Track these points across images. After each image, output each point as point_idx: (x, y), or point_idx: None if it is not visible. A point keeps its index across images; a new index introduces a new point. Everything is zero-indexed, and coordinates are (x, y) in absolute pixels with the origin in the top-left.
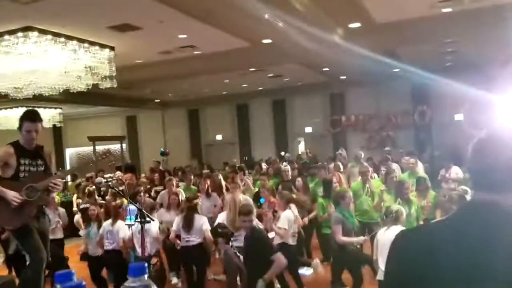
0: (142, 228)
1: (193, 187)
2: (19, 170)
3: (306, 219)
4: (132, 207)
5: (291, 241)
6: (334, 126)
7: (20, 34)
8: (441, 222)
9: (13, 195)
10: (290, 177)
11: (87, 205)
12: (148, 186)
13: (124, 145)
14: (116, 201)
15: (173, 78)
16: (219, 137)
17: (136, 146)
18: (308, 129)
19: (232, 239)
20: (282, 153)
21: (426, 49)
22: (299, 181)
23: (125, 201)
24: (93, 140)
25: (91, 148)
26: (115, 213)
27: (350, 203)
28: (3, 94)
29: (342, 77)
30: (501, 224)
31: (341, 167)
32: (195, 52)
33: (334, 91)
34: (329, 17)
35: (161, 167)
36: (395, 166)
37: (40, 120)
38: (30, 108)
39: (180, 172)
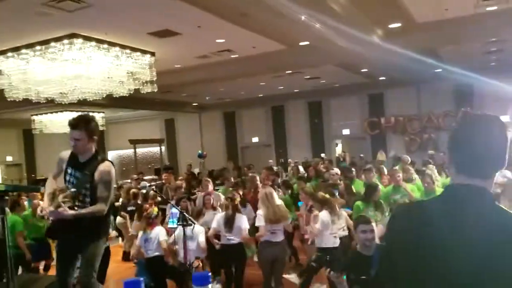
0: (184, 231)
1: (231, 189)
2: (65, 178)
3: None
4: (174, 210)
5: (331, 243)
6: (372, 128)
7: (65, 41)
8: (429, 201)
9: (42, 205)
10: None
11: (134, 207)
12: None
13: (163, 148)
14: (148, 210)
15: (210, 82)
16: (255, 139)
17: (174, 149)
18: (346, 131)
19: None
20: (323, 155)
21: (469, 48)
22: (341, 184)
23: (155, 211)
24: (134, 143)
25: (132, 150)
26: (147, 222)
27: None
28: (49, 99)
29: (381, 78)
30: (473, 201)
31: (385, 171)
32: (232, 56)
33: (372, 92)
34: (368, 17)
35: (198, 170)
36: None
37: (81, 127)
38: (81, 113)
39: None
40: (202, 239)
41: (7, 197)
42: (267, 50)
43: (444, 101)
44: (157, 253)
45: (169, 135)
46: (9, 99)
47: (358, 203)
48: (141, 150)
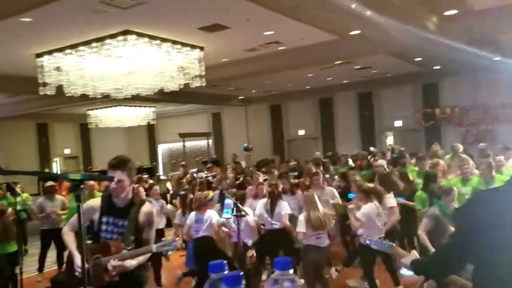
0: (238, 221)
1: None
2: (100, 229)
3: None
4: (228, 201)
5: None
6: (426, 120)
7: (120, 37)
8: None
9: (78, 265)
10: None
11: (184, 192)
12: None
13: (210, 141)
14: (204, 192)
15: (257, 75)
16: (301, 132)
17: (220, 142)
18: (398, 123)
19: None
20: (372, 148)
21: None
22: (396, 174)
23: (210, 194)
24: (183, 136)
25: (181, 143)
26: (201, 204)
27: (453, 201)
28: (105, 94)
29: (436, 67)
30: None
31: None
32: (280, 48)
33: (426, 81)
34: (422, 4)
35: (244, 163)
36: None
37: (123, 168)
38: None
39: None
40: (250, 218)
41: (82, 186)
42: (316, 41)
43: (503, 91)
44: (206, 234)
45: (215, 129)
46: (67, 95)
47: (420, 193)
48: (190, 144)
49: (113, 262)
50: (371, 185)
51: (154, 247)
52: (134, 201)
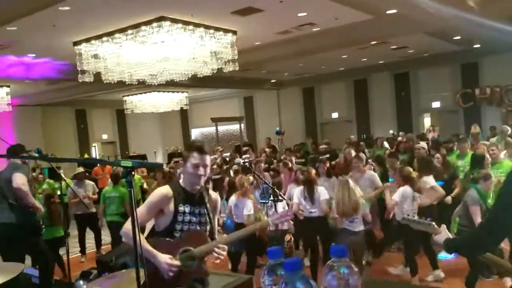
0: (275, 206)
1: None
2: (176, 220)
3: (449, 198)
4: (265, 185)
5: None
6: (465, 100)
7: (154, 24)
8: None
9: (167, 262)
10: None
11: (218, 176)
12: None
13: (242, 125)
14: (244, 177)
15: (290, 58)
16: (335, 115)
17: (253, 126)
18: (436, 104)
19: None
20: (391, 132)
21: None
22: (438, 157)
23: (251, 178)
24: (216, 121)
25: (213, 128)
26: (243, 188)
27: (490, 186)
28: (140, 80)
29: (476, 46)
30: None
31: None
32: (314, 29)
33: (466, 61)
34: None
35: (277, 146)
36: None
37: (209, 152)
38: (198, 143)
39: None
40: (283, 204)
41: (133, 173)
42: (351, 21)
43: None
44: (242, 222)
45: (248, 113)
46: (105, 82)
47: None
48: (222, 128)
49: (221, 247)
50: (411, 170)
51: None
52: (201, 187)
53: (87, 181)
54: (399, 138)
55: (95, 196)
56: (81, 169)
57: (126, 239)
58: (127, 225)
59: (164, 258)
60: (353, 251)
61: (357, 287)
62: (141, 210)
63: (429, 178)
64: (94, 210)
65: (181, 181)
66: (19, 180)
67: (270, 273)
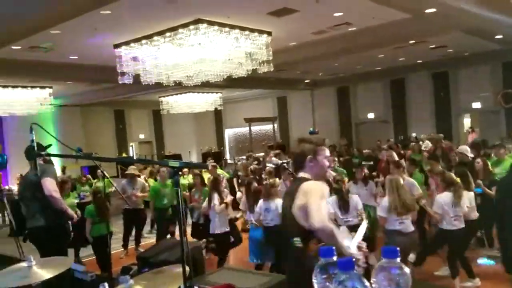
0: None
1: (339, 168)
2: None
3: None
4: None
5: (454, 226)
6: (507, 101)
7: (191, 27)
8: None
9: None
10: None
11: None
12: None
13: (275, 125)
14: (270, 181)
15: (325, 58)
16: (370, 115)
17: (286, 126)
18: (476, 105)
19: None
20: (414, 135)
21: None
22: (478, 162)
23: (277, 181)
24: (249, 121)
25: (247, 128)
26: (270, 192)
27: None
28: (177, 82)
29: None
30: None
31: None
32: (350, 29)
33: (508, 60)
34: None
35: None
36: None
37: None
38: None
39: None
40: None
41: (180, 173)
42: (388, 20)
43: None
44: (276, 223)
45: (281, 113)
46: (143, 83)
47: None
48: (255, 128)
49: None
50: (454, 176)
51: None
52: None
53: (138, 179)
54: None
55: (144, 194)
56: (133, 168)
57: (324, 236)
58: (324, 222)
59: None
60: (401, 251)
61: None
62: (319, 207)
63: (469, 194)
64: (142, 206)
65: (306, 175)
66: (50, 186)
67: (322, 272)
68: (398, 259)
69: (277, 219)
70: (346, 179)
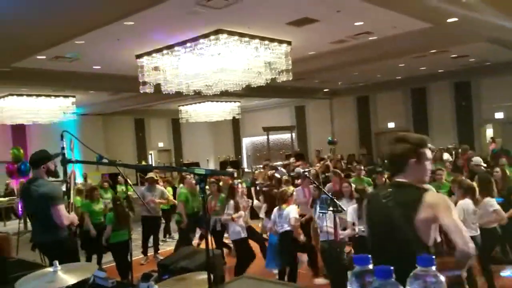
0: (334, 217)
1: (365, 178)
2: None
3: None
4: (324, 195)
5: (475, 231)
6: None
7: (212, 37)
8: None
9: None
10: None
11: (266, 188)
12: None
13: (293, 134)
14: (283, 188)
15: (345, 67)
16: (391, 124)
17: (304, 135)
18: (499, 115)
19: None
20: (429, 145)
21: None
22: (497, 171)
23: (291, 189)
24: (267, 130)
25: (264, 137)
26: (283, 199)
27: None
28: (197, 91)
29: None
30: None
31: None
32: (371, 38)
33: None
34: None
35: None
36: None
37: None
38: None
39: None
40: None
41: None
42: (409, 30)
43: None
44: (287, 229)
45: (299, 122)
46: (164, 92)
47: None
48: (273, 137)
49: None
50: (470, 182)
51: None
52: None
53: (158, 186)
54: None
55: (162, 201)
56: (152, 175)
57: (465, 257)
58: (467, 243)
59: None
60: None
61: None
62: (462, 226)
63: (492, 200)
64: (160, 214)
65: (405, 180)
66: (63, 216)
67: (358, 279)
68: (434, 267)
69: (286, 225)
70: (369, 189)
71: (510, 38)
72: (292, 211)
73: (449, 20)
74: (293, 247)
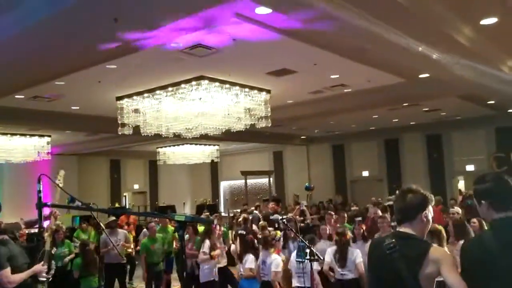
0: (311, 265)
1: (347, 225)
2: None
3: None
4: (301, 243)
5: None
6: (500, 165)
7: (193, 82)
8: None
9: None
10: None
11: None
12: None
13: (271, 179)
14: (270, 233)
15: (321, 116)
16: (365, 173)
17: (281, 180)
18: (470, 167)
19: None
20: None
21: None
22: (474, 222)
23: (278, 234)
24: (245, 174)
25: (242, 181)
26: (267, 243)
27: None
28: (176, 134)
29: (510, 110)
30: None
31: None
32: (346, 90)
33: (501, 124)
34: (497, 47)
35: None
36: None
37: None
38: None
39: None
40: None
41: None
42: (383, 84)
43: None
44: (269, 279)
45: (277, 167)
46: (143, 134)
47: None
48: (251, 181)
49: None
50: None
51: None
52: None
53: (119, 230)
54: None
55: (129, 244)
56: (113, 218)
57: None
58: None
59: None
60: None
61: None
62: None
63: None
64: (124, 260)
65: (410, 231)
66: (5, 282)
67: None
68: None
69: (268, 274)
70: (349, 234)
71: (479, 95)
72: (274, 262)
73: (421, 76)
74: None
